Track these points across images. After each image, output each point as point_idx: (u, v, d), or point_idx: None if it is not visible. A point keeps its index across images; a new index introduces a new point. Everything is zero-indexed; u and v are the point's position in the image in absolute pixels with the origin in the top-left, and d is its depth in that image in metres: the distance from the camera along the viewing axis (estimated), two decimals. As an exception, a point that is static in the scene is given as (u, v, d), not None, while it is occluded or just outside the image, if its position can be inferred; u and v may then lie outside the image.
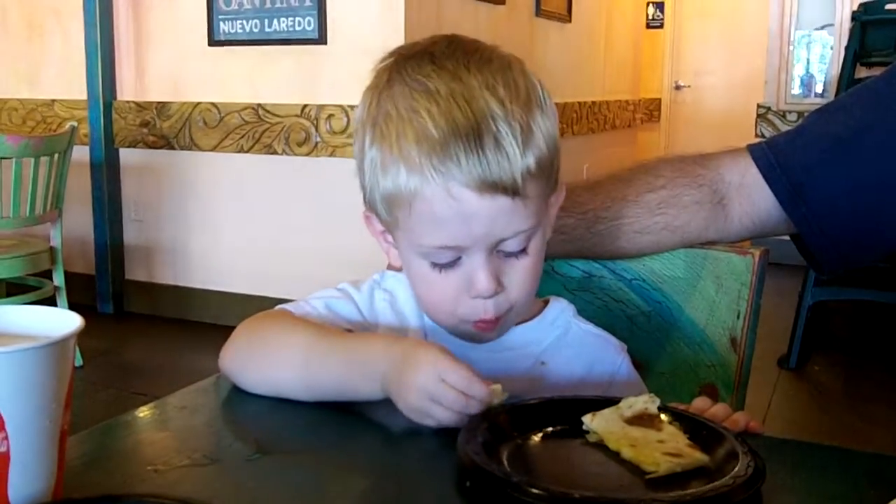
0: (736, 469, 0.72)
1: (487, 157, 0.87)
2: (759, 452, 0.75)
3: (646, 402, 0.84)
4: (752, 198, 1.14)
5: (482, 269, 0.92)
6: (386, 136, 0.91)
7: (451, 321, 0.98)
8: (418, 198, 0.89)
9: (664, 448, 0.77)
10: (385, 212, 0.95)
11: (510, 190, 0.88)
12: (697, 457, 0.76)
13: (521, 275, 0.95)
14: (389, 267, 1.10)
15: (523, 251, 0.94)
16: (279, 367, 0.95)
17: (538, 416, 0.84)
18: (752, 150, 1.16)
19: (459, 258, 0.93)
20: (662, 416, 0.83)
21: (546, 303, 1.09)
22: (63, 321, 0.69)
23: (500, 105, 0.88)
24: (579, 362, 1.05)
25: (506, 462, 0.76)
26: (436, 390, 0.83)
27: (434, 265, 0.94)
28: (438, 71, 0.90)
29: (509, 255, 0.94)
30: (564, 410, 0.85)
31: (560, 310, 1.08)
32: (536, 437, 0.82)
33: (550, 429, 0.83)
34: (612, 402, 0.85)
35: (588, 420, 0.82)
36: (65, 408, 0.67)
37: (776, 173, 1.13)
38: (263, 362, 0.97)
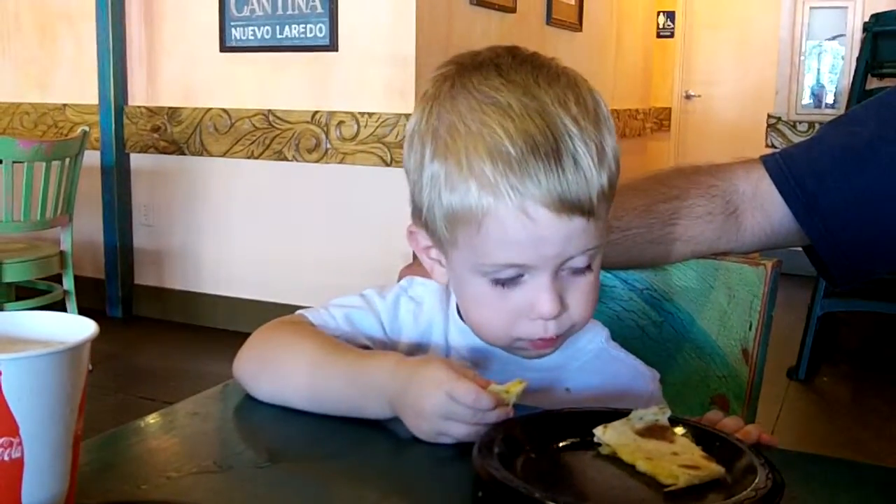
0: (756, 481, 0.72)
1: (567, 176, 0.84)
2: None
3: (656, 414, 0.84)
4: (765, 209, 1.14)
5: (547, 290, 0.89)
6: (452, 150, 0.87)
7: (504, 341, 0.95)
8: (490, 216, 0.86)
9: (679, 460, 0.76)
10: (445, 229, 0.91)
11: (586, 210, 0.86)
12: (714, 469, 0.76)
13: (583, 293, 0.92)
14: (406, 270, 1.09)
15: (588, 268, 0.92)
16: (287, 382, 0.95)
17: (549, 429, 0.84)
18: (766, 160, 1.16)
19: (522, 276, 0.90)
20: (675, 429, 0.83)
21: None
22: (77, 327, 0.69)
23: (575, 123, 0.86)
24: (607, 391, 1.01)
25: (521, 475, 0.75)
26: (449, 409, 0.82)
27: (495, 283, 0.91)
28: (508, 84, 0.87)
29: (573, 272, 0.91)
30: (574, 423, 0.84)
31: (592, 334, 1.05)
32: (549, 450, 0.81)
33: (562, 441, 0.83)
34: (622, 413, 0.85)
35: (600, 433, 0.82)
36: (78, 414, 0.67)
37: (790, 184, 1.12)
38: (273, 375, 0.96)
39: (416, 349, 1.03)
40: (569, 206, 0.85)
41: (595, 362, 1.03)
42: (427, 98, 0.92)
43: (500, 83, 0.87)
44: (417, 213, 0.94)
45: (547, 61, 0.92)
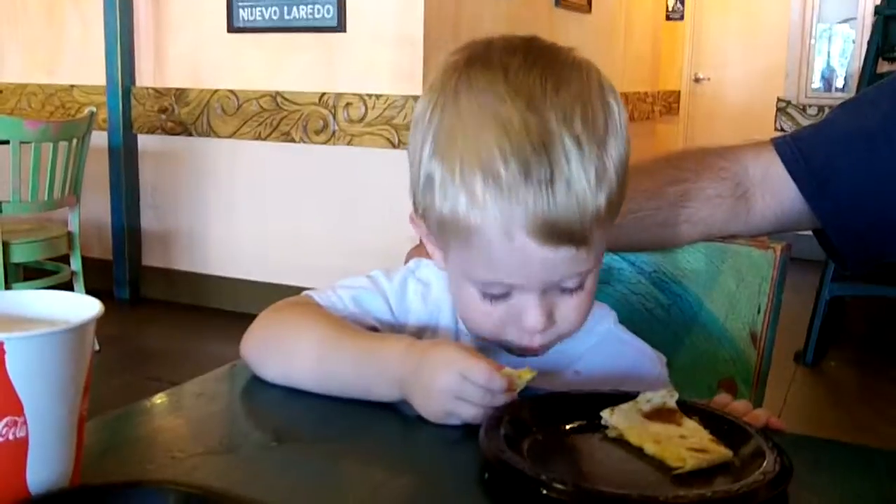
0: (764, 465, 0.72)
1: (558, 204, 0.81)
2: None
3: (664, 397, 0.84)
4: (775, 191, 1.13)
5: (534, 307, 0.89)
6: (448, 157, 0.84)
7: (493, 341, 0.95)
8: (477, 234, 0.84)
9: (687, 443, 0.76)
10: (437, 232, 0.91)
11: (577, 240, 0.84)
12: (722, 452, 0.75)
13: (573, 309, 0.92)
14: (414, 251, 1.09)
15: (580, 287, 0.91)
16: (294, 363, 0.94)
17: (556, 411, 0.83)
18: (777, 143, 1.15)
19: (511, 291, 0.89)
20: (682, 412, 0.83)
21: None
22: (82, 307, 0.68)
23: (576, 144, 0.81)
24: (614, 373, 1.01)
25: (528, 457, 0.75)
26: (460, 389, 0.82)
27: (484, 294, 0.90)
28: (512, 93, 0.83)
29: (564, 290, 0.90)
30: (581, 405, 0.84)
31: (600, 317, 1.04)
32: (556, 432, 0.81)
33: (569, 424, 0.82)
34: (629, 396, 0.84)
35: (607, 415, 0.81)
36: (83, 394, 0.67)
37: (800, 167, 1.12)
38: (280, 357, 0.96)
39: (425, 331, 1.02)
40: (557, 235, 0.83)
41: (603, 345, 1.03)
42: (434, 89, 0.89)
43: (504, 91, 0.83)
44: (415, 205, 0.93)
45: (561, 60, 0.88)
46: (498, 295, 0.90)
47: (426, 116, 0.88)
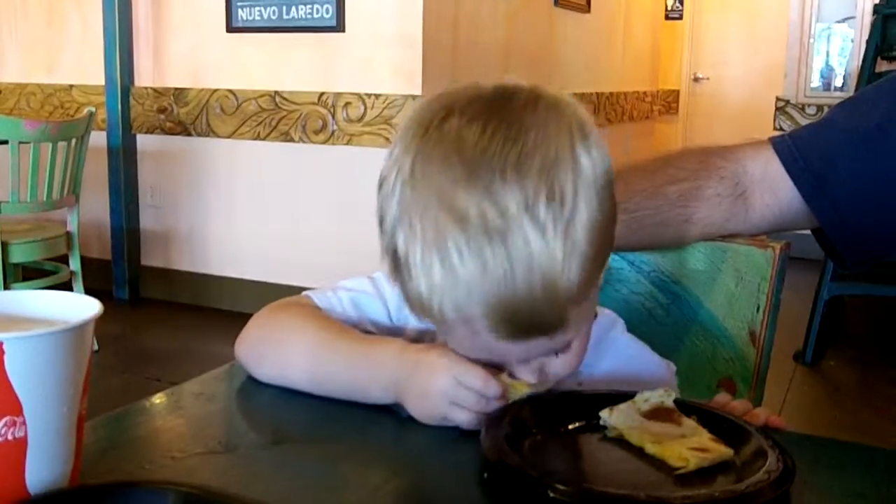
0: (767, 464, 0.72)
1: (521, 307, 0.75)
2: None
3: (661, 397, 0.84)
4: (774, 191, 1.13)
5: (523, 369, 0.85)
6: (409, 238, 0.77)
7: None
8: (445, 325, 0.81)
9: (688, 443, 0.76)
10: (409, 307, 0.84)
11: (548, 329, 0.79)
12: (723, 451, 0.75)
13: (564, 364, 0.88)
14: None
15: (567, 346, 0.86)
16: (289, 365, 0.94)
17: (555, 411, 0.83)
18: (775, 142, 1.15)
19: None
20: (680, 411, 0.83)
21: (594, 316, 0.95)
22: (82, 306, 0.68)
23: (541, 235, 0.74)
24: (620, 384, 0.97)
25: (529, 458, 0.75)
26: (455, 393, 0.82)
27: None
28: (468, 180, 0.74)
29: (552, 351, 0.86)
30: (581, 405, 0.84)
31: (608, 327, 1.02)
32: (556, 433, 0.81)
33: (568, 424, 0.82)
34: (627, 396, 0.84)
35: (606, 415, 0.81)
36: (82, 394, 0.67)
37: (799, 166, 1.11)
38: (275, 358, 0.96)
39: (423, 336, 1.02)
40: (524, 329, 0.78)
41: (606, 358, 1.01)
42: (395, 156, 0.81)
43: (460, 173, 0.75)
44: (388, 270, 0.85)
45: (528, 118, 0.78)
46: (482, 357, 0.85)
47: (389, 184, 0.80)
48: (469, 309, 0.76)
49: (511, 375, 0.85)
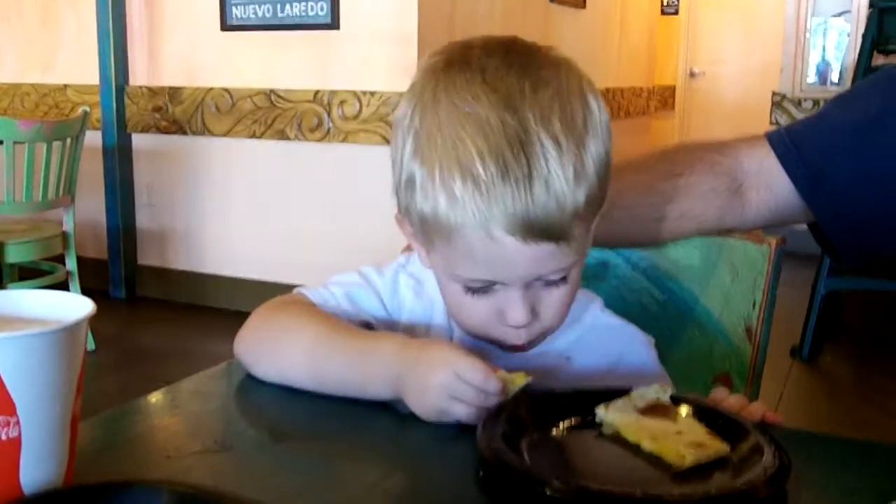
0: (763, 461, 0.72)
1: (537, 203, 0.82)
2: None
3: (657, 392, 0.83)
4: (769, 185, 1.13)
5: (517, 302, 0.89)
6: (428, 158, 0.85)
7: (481, 337, 0.96)
8: (457, 234, 0.85)
9: (684, 439, 0.76)
10: (420, 231, 0.91)
11: (556, 237, 0.85)
12: (719, 446, 0.75)
13: (557, 303, 0.92)
14: (408, 249, 1.09)
15: (563, 280, 0.91)
16: (288, 362, 0.95)
17: (552, 409, 0.83)
18: (771, 137, 1.15)
19: (494, 285, 0.90)
20: (676, 407, 0.83)
21: None
22: (75, 306, 0.68)
23: (555, 144, 0.82)
24: (605, 357, 1.03)
25: (525, 456, 0.75)
26: (455, 387, 0.82)
27: (467, 289, 0.91)
28: (490, 94, 0.83)
29: (548, 283, 0.91)
30: (577, 402, 0.84)
31: (586, 303, 1.05)
32: (552, 430, 0.81)
33: (564, 421, 0.82)
34: (622, 392, 0.84)
35: (602, 411, 0.81)
36: (76, 393, 0.66)
37: (794, 160, 1.11)
38: (274, 356, 0.96)
39: (418, 328, 1.02)
40: (536, 232, 0.83)
41: (592, 332, 1.04)
42: (413, 92, 0.90)
43: (482, 91, 0.84)
44: (399, 204, 0.93)
45: (540, 60, 0.88)
46: (481, 289, 0.90)
47: (406, 118, 0.89)
48: (488, 211, 0.82)
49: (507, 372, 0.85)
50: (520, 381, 0.84)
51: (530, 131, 0.82)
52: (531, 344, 0.95)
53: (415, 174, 0.87)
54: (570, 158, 0.83)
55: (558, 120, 0.83)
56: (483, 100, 0.83)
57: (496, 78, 0.85)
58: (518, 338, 0.92)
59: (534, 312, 0.91)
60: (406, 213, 0.92)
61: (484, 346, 0.97)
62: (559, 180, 0.82)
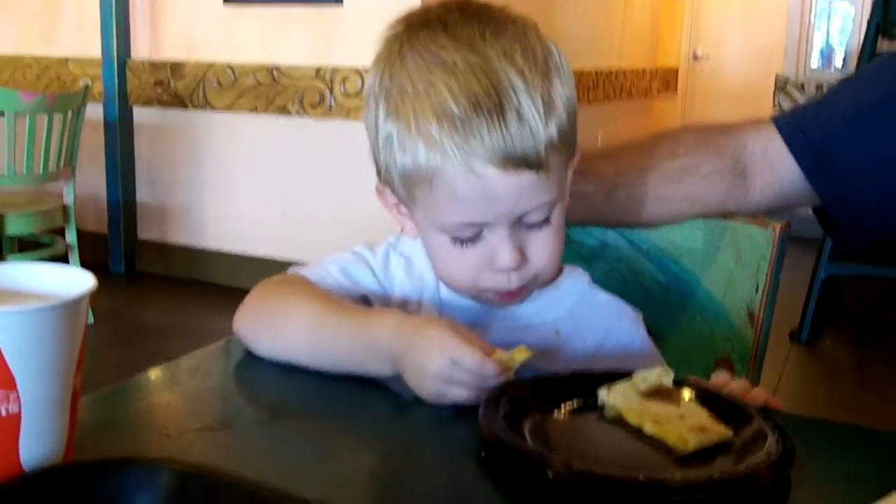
0: (767, 446, 0.71)
1: (511, 131, 0.85)
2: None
3: (660, 376, 0.83)
4: (774, 168, 1.12)
5: (505, 243, 0.91)
6: (402, 111, 0.89)
7: (471, 292, 0.97)
8: (439, 176, 0.88)
9: (687, 423, 0.76)
10: (402, 188, 0.93)
11: (534, 164, 0.87)
12: (722, 431, 0.75)
13: (544, 245, 0.94)
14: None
15: (546, 221, 0.93)
16: (288, 338, 0.95)
17: (553, 391, 0.83)
18: (776, 120, 1.14)
19: (481, 232, 0.91)
20: (679, 390, 0.82)
21: (561, 271, 1.07)
22: (76, 280, 0.68)
23: (520, 76, 0.86)
24: (593, 332, 1.04)
25: (527, 438, 0.75)
26: (451, 374, 0.82)
27: (455, 240, 0.93)
28: (453, 41, 0.88)
29: (532, 225, 0.93)
30: (580, 385, 0.83)
31: (575, 278, 1.07)
32: (554, 413, 0.81)
33: (566, 404, 0.82)
34: (625, 374, 0.84)
35: (604, 394, 0.81)
36: (76, 369, 0.66)
37: (800, 142, 1.11)
38: (274, 332, 0.96)
39: (409, 304, 1.04)
40: (515, 160, 0.86)
41: (580, 306, 1.05)
42: (379, 59, 0.94)
43: (446, 40, 0.88)
44: (379, 171, 0.96)
45: (496, 12, 0.92)
46: (468, 238, 0.92)
47: (376, 85, 0.93)
48: (466, 145, 0.85)
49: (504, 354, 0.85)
50: (519, 356, 0.83)
51: (496, 68, 0.86)
52: (524, 290, 0.96)
53: (391, 132, 0.90)
54: (538, 90, 0.87)
55: (520, 57, 0.87)
56: (448, 47, 0.88)
57: (457, 27, 0.89)
58: (510, 282, 0.94)
59: (523, 256, 0.92)
60: (387, 178, 0.95)
61: (475, 315, 0.98)
62: (530, 110, 0.86)
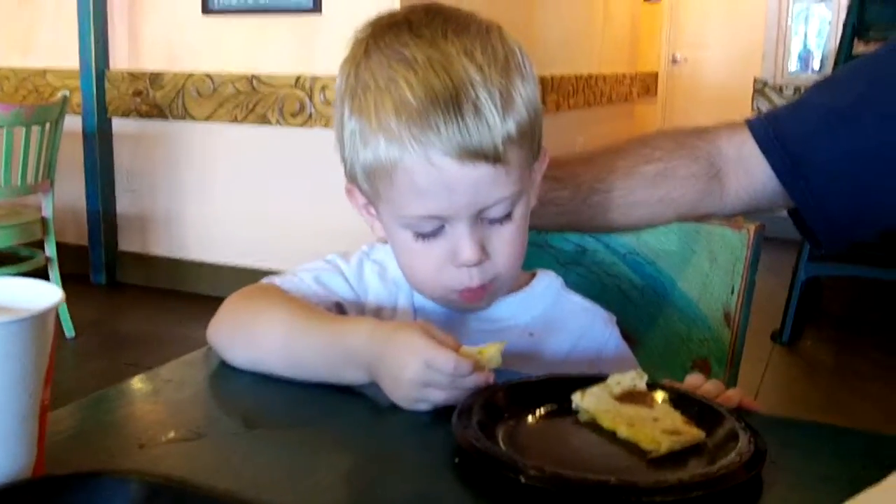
0: (738, 446, 0.72)
1: (467, 124, 0.87)
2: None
3: (633, 379, 0.83)
4: (749, 171, 1.13)
5: (466, 237, 0.92)
6: (364, 107, 0.91)
7: (437, 292, 0.98)
8: (399, 168, 0.89)
9: (660, 426, 0.76)
10: (366, 184, 0.95)
11: (491, 157, 0.88)
12: (695, 433, 0.75)
13: (505, 242, 0.95)
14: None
15: (507, 217, 0.94)
16: (263, 348, 0.94)
17: (527, 395, 0.83)
18: (750, 123, 1.15)
19: (443, 227, 0.93)
20: (653, 393, 0.82)
21: (534, 275, 1.08)
22: (44, 294, 0.67)
23: (479, 71, 0.88)
24: (567, 335, 1.04)
25: (501, 443, 0.74)
26: (426, 377, 0.81)
27: (417, 235, 0.94)
28: (416, 39, 0.90)
29: (493, 221, 0.94)
30: (553, 389, 0.83)
31: (548, 282, 1.08)
32: (528, 417, 0.81)
33: (540, 408, 0.82)
34: (599, 378, 0.84)
35: (578, 398, 0.81)
36: (45, 383, 0.65)
37: (774, 146, 1.11)
38: (248, 342, 0.95)
39: (383, 310, 1.04)
40: (471, 153, 0.87)
41: (553, 309, 1.06)
42: (346, 61, 0.96)
43: (409, 39, 0.91)
44: (346, 170, 0.98)
45: (462, 14, 0.95)
46: (430, 233, 0.93)
47: (343, 85, 0.95)
48: (423, 137, 0.87)
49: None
50: (492, 349, 0.83)
51: (454, 63, 0.88)
52: (487, 290, 0.96)
53: (355, 128, 0.92)
54: (496, 86, 0.88)
55: (480, 54, 0.89)
56: (410, 45, 0.90)
57: (421, 27, 0.92)
58: (471, 279, 0.94)
59: (484, 252, 0.93)
60: (352, 175, 0.97)
61: (448, 320, 0.98)
62: (486, 104, 0.87)
